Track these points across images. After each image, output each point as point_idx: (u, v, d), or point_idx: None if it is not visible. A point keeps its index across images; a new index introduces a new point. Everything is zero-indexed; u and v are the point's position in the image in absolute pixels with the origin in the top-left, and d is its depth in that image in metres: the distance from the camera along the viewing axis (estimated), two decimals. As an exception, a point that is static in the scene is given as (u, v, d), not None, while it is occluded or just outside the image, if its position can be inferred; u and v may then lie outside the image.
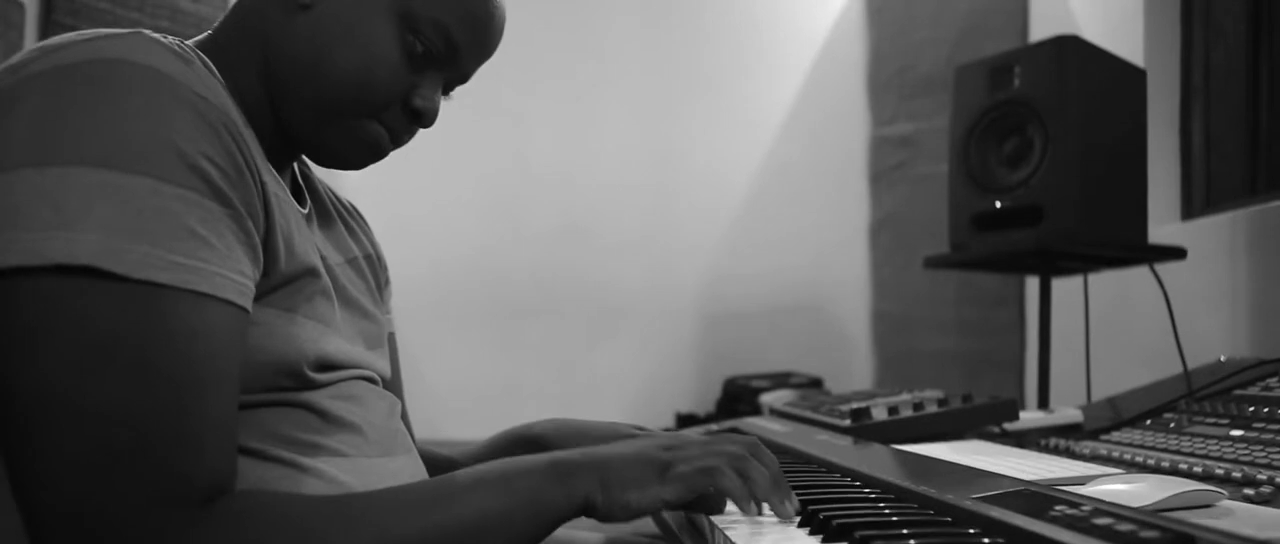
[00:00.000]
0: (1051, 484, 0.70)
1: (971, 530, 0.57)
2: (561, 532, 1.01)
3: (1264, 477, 0.84)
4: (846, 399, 1.41)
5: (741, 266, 2.94)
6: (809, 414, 1.29)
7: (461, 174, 2.81)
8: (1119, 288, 2.00)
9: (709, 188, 2.96)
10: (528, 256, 2.83)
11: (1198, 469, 0.91)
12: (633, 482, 0.67)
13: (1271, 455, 0.93)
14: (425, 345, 2.65)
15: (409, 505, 0.63)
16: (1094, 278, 1.97)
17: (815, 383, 2.62)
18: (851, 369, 2.92)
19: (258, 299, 0.67)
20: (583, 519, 0.70)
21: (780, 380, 2.57)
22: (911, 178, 2.83)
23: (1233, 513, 0.68)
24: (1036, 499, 0.60)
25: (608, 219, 2.88)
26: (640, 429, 0.99)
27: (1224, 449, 0.99)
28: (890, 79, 2.90)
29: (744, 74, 3.01)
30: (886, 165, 2.92)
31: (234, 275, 0.62)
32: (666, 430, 1.44)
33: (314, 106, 0.76)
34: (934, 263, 1.86)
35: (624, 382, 2.85)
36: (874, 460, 0.89)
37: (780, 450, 1.06)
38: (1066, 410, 1.43)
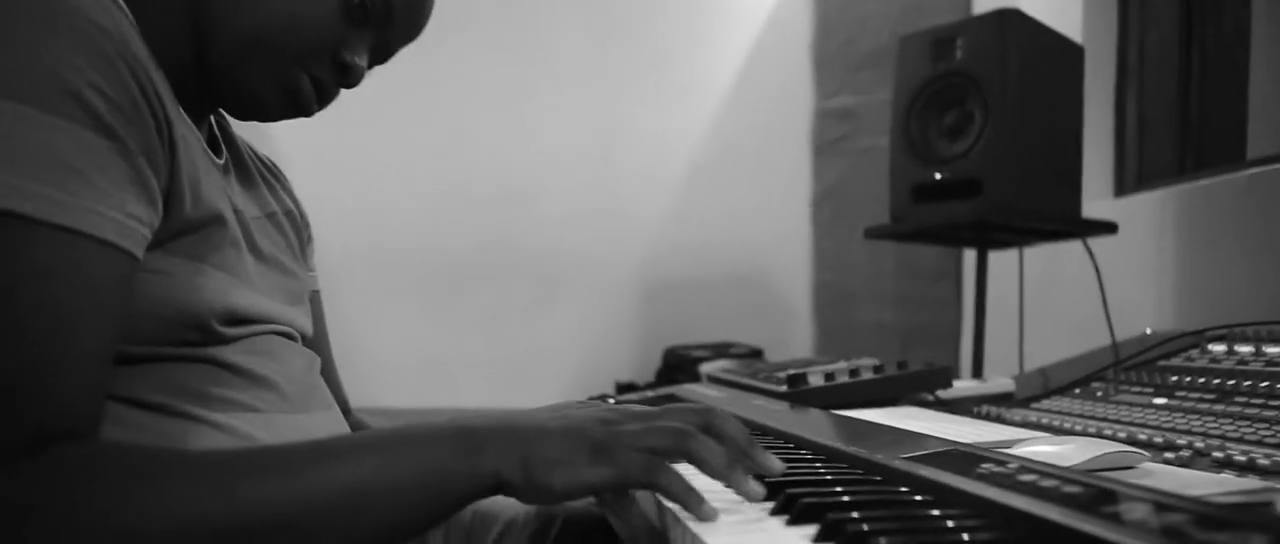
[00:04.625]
0: (981, 446, 0.70)
1: (902, 488, 0.57)
2: (497, 501, 0.99)
3: (1183, 441, 0.86)
4: (784, 366, 1.41)
5: (684, 237, 2.93)
6: (746, 380, 1.29)
7: (402, 139, 2.76)
8: (1052, 262, 2.04)
9: (652, 158, 2.94)
10: (468, 224, 2.79)
11: (1122, 434, 0.92)
12: (557, 460, 0.57)
13: (1191, 421, 0.95)
14: (364, 313, 2.60)
15: (277, 466, 0.55)
16: (1028, 251, 2.01)
17: (756, 353, 2.64)
18: (792, 340, 2.94)
19: (162, 246, 0.63)
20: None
21: (721, 350, 2.58)
22: (854, 151, 2.85)
23: (1153, 474, 0.69)
24: (964, 458, 0.60)
25: (550, 187, 2.85)
26: (588, 404, 0.93)
27: (1148, 416, 1.02)
28: (835, 51, 2.91)
29: (689, 44, 2.99)
30: (829, 138, 2.93)
31: (112, 213, 0.57)
32: (605, 398, 1.42)
33: (243, 46, 0.73)
34: (874, 234, 1.87)
35: (564, 350, 2.83)
36: (809, 424, 0.89)
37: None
38: (999, 379, 1.45)
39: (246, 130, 0.90)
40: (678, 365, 2.60)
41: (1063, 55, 1.72)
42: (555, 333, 2.83)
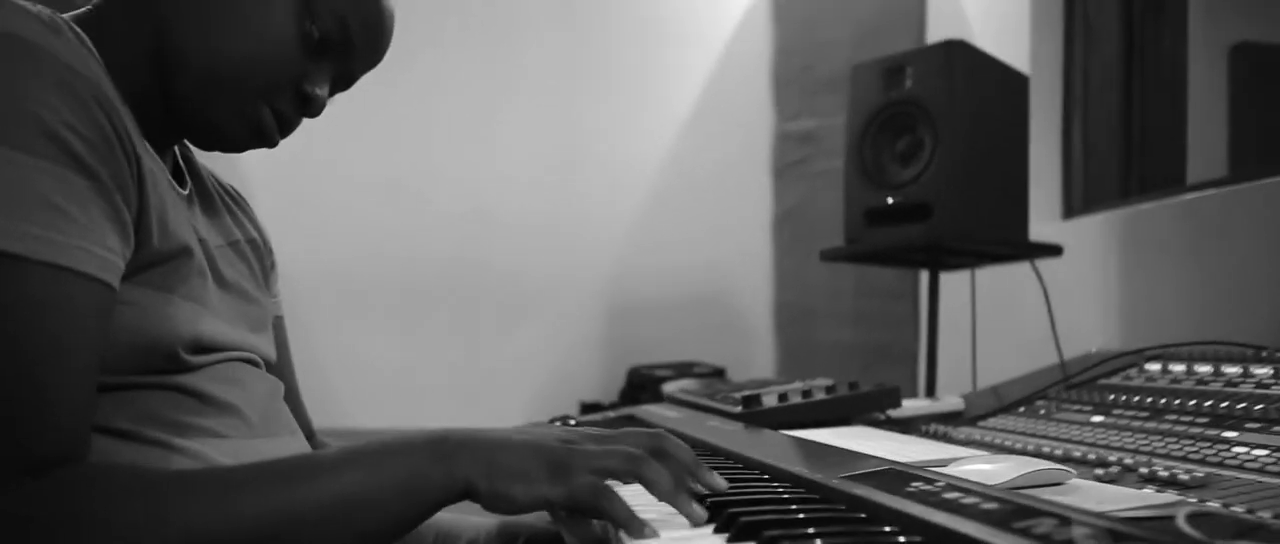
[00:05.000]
0: (918, 465, 0.74)
1: (840, 506, 0.61)
2: (451, 515, 1.02)
3: (1114, 458, 0.91)
4: (741, 387, 1.45)
5: (647, 257, 2.97)
6: (703, 401, 1.32)
7: (367, 160, 2.77)
8: (1005, 282, 2.10)
9: (616, 179, 2.98)
10: (434, 244, 2.81)
11: (1058, 451, 0.97)
12: (519, 474, 0.63)
13: (1124, 439, 1.00)
14: (328, 332, 2.60)
15: (267, 480, 0.60)
16: (982, 272, 2.07)
17: (718, 372, 2.67)
18: (754, 359, 2.98)
19: (132, 277, 0.65)
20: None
21: (683, 370, 2.61)
22: (813, 173, 2.91)
23: (1079, 490, 0.73)
24: (898, 478, 0.64)
25: (515, 208, 2.87)
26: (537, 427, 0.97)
27: (1085, 433, 1.06)
28: (794, 75, 2.97)
29: (652, 67, 3.03)
30: (790, 160, 2.99)
31: (96, 249, 0.60)
32: (567, 419, 1.45)
33: (205, 82, 0.75)
34: (830, 256, 1.92)
35: (529, 370, 2.85)
36: (759, 444, 0.92)
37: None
38: (950, 398, 1.50)
39: (212, 154, 0.92)
40: (641, 385, 2.63)
41: (1008, 84, 1.78)
42: (520, 353, 2.85)
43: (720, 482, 0.64)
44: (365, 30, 0.81)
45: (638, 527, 0.59)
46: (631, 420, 1.34)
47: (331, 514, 0.60)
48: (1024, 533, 0.47)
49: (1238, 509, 0.66)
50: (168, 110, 0.77)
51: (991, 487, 0.61)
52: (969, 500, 0.54)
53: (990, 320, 2.11)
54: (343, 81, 0.86)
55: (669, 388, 2.20)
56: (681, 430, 1.09)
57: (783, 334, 3.01)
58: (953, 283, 2.12)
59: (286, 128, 0.82)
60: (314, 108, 0.82)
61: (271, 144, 0.82)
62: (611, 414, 1.45)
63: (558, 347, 2.89)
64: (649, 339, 2.90)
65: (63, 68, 0.60)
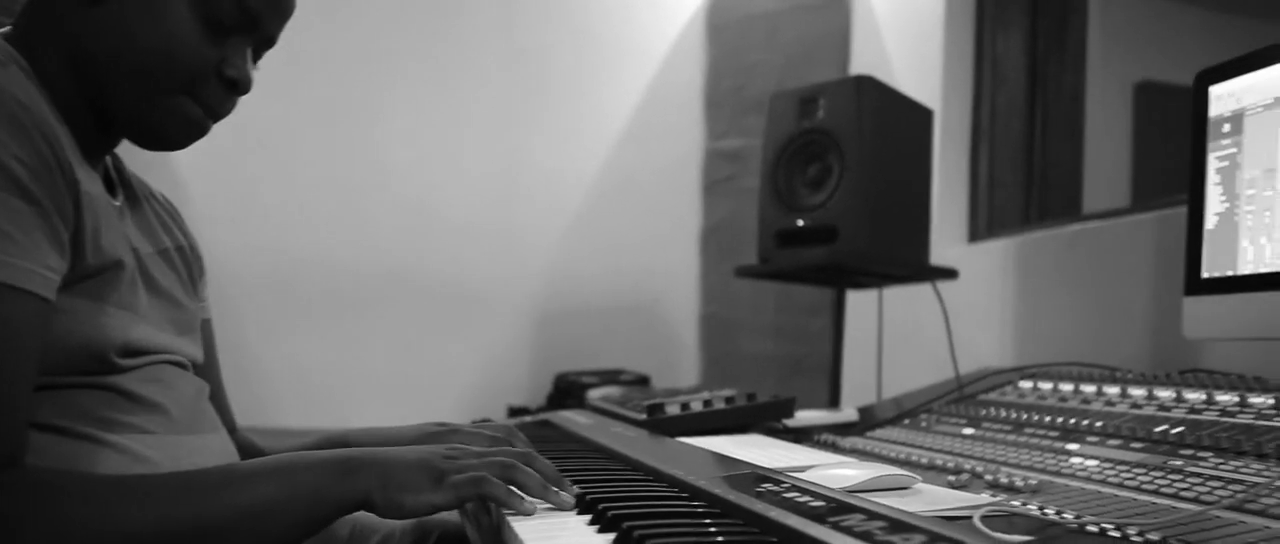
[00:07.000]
0: (783, 470, 0.83)
1: (697, 503, 0.69)
2: (374, 518, 1.09)
3: (969, 466, 1.01)
4: (653, 396, 1.53)
5: (578, 267, 3.04)
6: (614, 408, 1.40)
7: (304, 164, 2.79)
8: (913, 302, 2.23)
9: (550, 190, 3.05)
10: (367, 249, 2.84)
11: (924, 459, 1.07)
12: (409, 485, 0.72)
13: (984, 449, 1.11)
14: (263, 333, 2.62)
15: (194, 487, 0.69)
16: (891, 292, 2.19)
17: (643, 381, 2.75)
18: (679, 368, 3.08)
19: (68, 288, 0.71)
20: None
21: (610, 377, 2.68)
22: (740, 189, 3.02)
23: (919, 493, 0.82)
24: (754, 480, 0.73)
25: (449, 215, 2.92)
26: (443, 425, 1.05)
27: (953, 444, 1.17)
28: (725, 96, 3.07)
29: (589, 82, 3.11)
30: (718, 177, 3.09)
31: (39, 268, 0.66)
32: (487, 420, 1.53)
33: (121, 88, 0.79)
34: (744, 273, 2.02)
35: (459, 374, 2.90)
36: (652, 450, 1.00)
37: (576, 441, 1.17)
38: (846, 410, 1.61)
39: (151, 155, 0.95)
40: (568, 390, 2.69)
41: (913, 117, 1.90)
42: (451, 357, 2.91)
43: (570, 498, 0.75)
44: (264, 1, 0.85)
45: (516, 500, 0.72)
46: (547, 425, 1.42)
47: (248, 518, 0.69)
48: (834, 525, 0.56)
49: (1049, 511, 0.76)
50: (97, 121, 0.82)
51: (833, 489, 0.71)
52: (802, 499, 0.63)
53: (897, 337, 2.24)
54: (264, 45, 0.89)
55: (593, 395, 2.28)
56: (585, 435, 1.17)
57: (707, 344, 3.11)
58: (864, 301, 2.24)
59: (220, 112, 0.86)
60: (240, 87, 0.85)
61: (205, 132, 0.86)
62: (528, 419, 1.52)
63: (488, 351, 2.95)
64: (578, 346, 2.98)
65: (12, 102, 0.66)
